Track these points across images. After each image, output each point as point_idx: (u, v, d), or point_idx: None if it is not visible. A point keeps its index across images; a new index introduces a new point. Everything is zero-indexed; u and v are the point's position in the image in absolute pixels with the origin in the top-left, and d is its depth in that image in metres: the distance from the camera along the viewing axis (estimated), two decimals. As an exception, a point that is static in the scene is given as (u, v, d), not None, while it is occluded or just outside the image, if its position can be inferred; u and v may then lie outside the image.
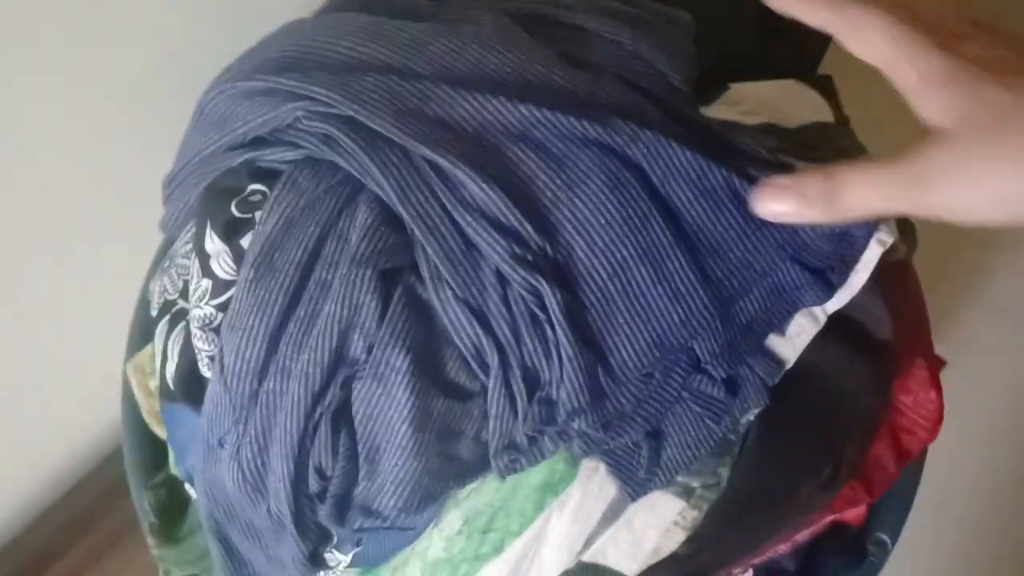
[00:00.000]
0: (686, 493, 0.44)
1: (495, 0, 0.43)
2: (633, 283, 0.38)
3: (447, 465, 0.38)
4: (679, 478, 0.43)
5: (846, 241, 0.40)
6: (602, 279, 0.38)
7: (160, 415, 0.52)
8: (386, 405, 0.37)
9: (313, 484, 0.39)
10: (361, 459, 0.38)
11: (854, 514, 0.48)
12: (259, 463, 0.39)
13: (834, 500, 0.47)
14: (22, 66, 0.53)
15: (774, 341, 0.43)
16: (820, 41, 0.51)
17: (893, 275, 0.46)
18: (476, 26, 0.40)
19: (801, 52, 0.59)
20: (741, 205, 0.38)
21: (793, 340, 0.43)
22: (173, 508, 0.51)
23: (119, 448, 0.56)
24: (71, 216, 0.63)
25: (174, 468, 0.50)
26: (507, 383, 0.38)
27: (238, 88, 0.40)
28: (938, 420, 0.46)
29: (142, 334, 0.56)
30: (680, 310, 0.39)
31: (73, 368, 0.69)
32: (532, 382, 0.38)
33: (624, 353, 0.39)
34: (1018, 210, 0.32)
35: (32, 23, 0.52)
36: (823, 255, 0.40)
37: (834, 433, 0.47)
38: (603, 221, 0.37)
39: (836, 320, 0.43)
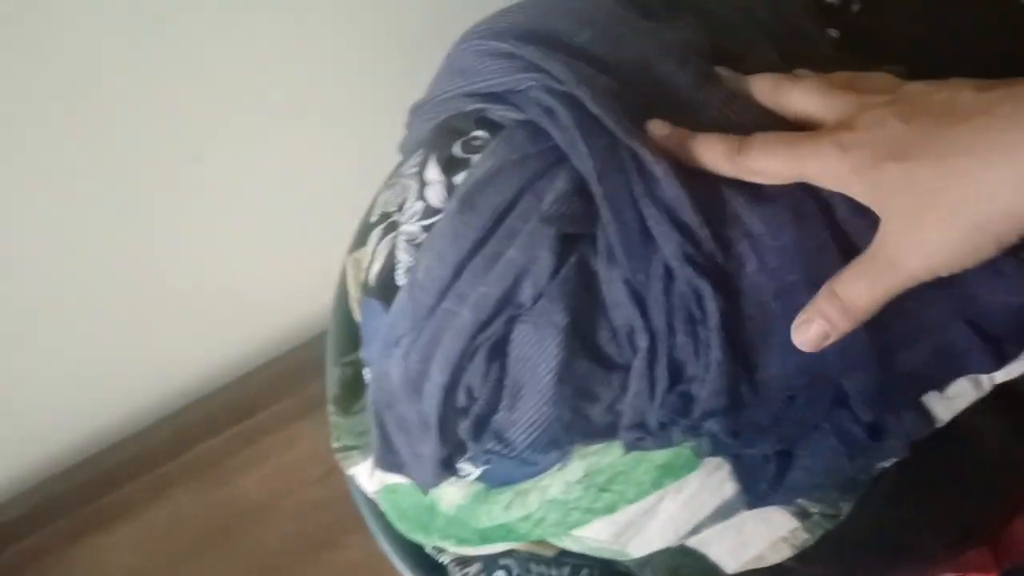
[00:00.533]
0: (803, 515, 0.45)
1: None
2: (796, 308, 0.39)
3: (578, 421, 0.42)
4: (799, 500, 0.44)
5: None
6: (766, 298, 0.39)
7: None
8: (537, 352, 0.42)
9: (461, 399, 0.44)
10: (505, 392, 0.43)
11: (976, 581, 0.47)
12: (422, 368, 0.44)
13: (957, 559, 0.46)
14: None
15: (930, 398, 0.43)
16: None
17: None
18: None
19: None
20: None
21: (951, 401, 0.43)
22: (354, 385, 0.58)
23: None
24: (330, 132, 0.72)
25: (361, 353, 0.57)
26: (651, 367, 0.40)
27: (487, 46, 0.45)
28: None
29: (363, 235, 0.64)
30: (838, 344, 0.39)
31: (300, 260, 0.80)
32: (675, 373, 0.40)
33: (772, 371, 0.40)
34: (993, 247, 0.35)
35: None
36: (1001, 324, 0.40)
37: (973, 499, 0.46)
38: (779, 245, 0.39)
39: (1001, 389, 0.42)
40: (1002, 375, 0.41)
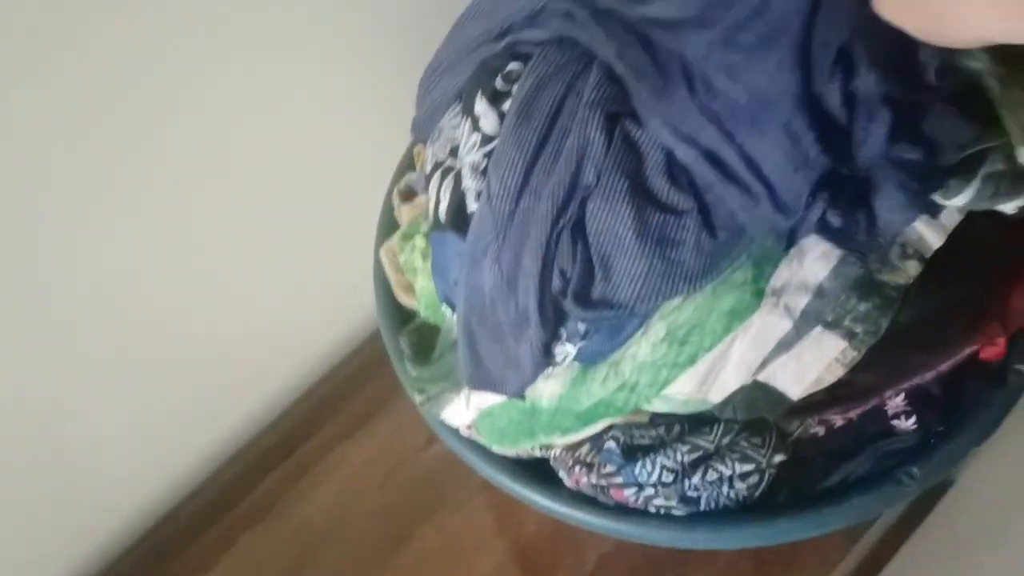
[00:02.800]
0: (849, 336, 0.52)
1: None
2: None
3: (672, 267, 0.49)
4: (845, 322, 0.52)
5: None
6: None
7: (406, 285, 0.66)
8: (612, 218, 0.49)
9: (556, 283, 0.51)
10: (596, 266, 0.50)
11: (994, 351, 0.56)
12: (514, 265, 0.51)
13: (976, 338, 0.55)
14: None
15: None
16: None
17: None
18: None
19: None
20: None
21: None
22: (423, 344, 0.64)
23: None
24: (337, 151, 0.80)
25: (426, 310, 0.64)
26: (734, 179, 0.48)
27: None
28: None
29: (389, 226, 0.71)
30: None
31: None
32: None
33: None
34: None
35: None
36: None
37: (975, 285, 0.55)
38: None
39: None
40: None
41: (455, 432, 0.62)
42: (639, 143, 0.50)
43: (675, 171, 0.49)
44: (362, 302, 0.73)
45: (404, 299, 0.68)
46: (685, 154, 0.48)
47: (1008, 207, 0.51)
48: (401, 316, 0.69)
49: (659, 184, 0.49)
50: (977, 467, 0.95)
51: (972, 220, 0.53)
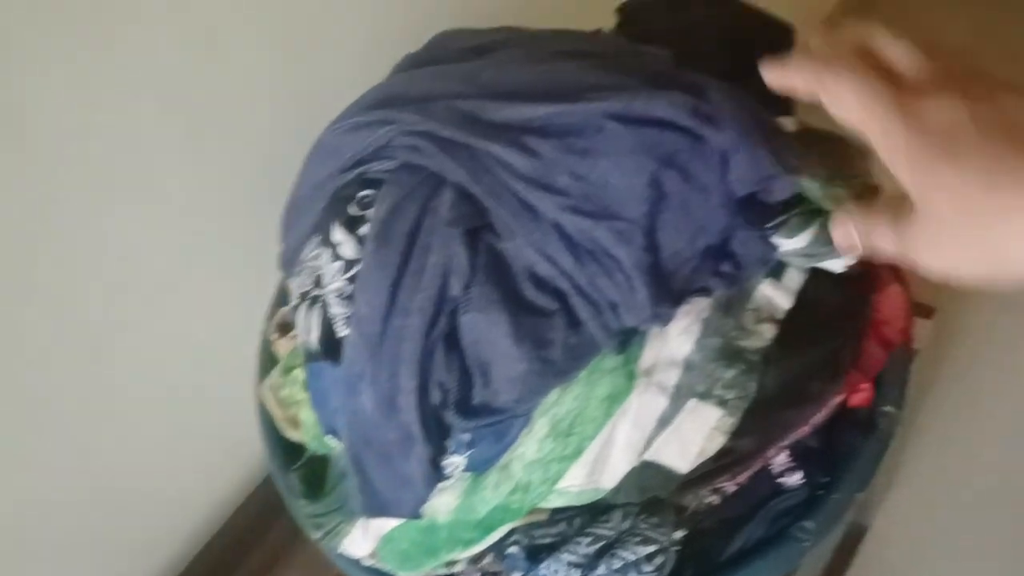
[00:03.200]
0: (722, 403, 0.55)
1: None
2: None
3: (546, 366, 0.51)
4: (716, 391, 0.55)
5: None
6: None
7: (290, 419, 0.66)
8: (489, 328, 0.50)
9: (436, 396, 0.51)
10: (474, 373, 0.51)
11: (861, 398, 0.59)
12: (391, 384, 0.52)
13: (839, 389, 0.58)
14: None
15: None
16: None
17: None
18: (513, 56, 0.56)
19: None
20: None
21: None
22: (315, 478, 0.63)
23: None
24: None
25: (312, 441, 0.63)
26: (583, 295, 0.51)
27: (345, 125, 0.56)
28: (908, 308, 0.59)
29: (268, 362, 0.70)
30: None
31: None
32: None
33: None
34: (999, 275, 0.34)
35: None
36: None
37: (830, 340, 0.59)
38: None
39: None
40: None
41: (356, 563, 0.61)
42: (504, 255, 0.52)
43: (539, 278, 0.51)
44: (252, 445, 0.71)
45: (291, 434, 0.67)
46: (546, 272, 0.51)
47: (836, 265, 0.55)
48: (292, 452, 0.67)
49: (527, 291, 0.51)
50: (886, 513, 0.99)
51: (818, 282, 0.57)
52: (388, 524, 0.58)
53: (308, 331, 0.56)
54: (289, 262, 0.63)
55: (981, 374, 1.10)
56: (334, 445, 0.58)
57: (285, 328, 0.70)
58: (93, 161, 0.66)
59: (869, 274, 0.60)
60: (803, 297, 0.57)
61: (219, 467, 0.86)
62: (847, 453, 0.60)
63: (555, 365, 0.51)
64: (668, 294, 0.51)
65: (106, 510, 0.79)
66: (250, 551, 0.83)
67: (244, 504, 0.86)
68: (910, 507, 1.01)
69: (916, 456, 1.02)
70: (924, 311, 0.99)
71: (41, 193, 0.64)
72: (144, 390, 0.78)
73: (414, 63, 0.60)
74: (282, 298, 0.72)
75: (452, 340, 0.52)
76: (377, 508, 0.56)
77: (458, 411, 0.51)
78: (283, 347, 0.68)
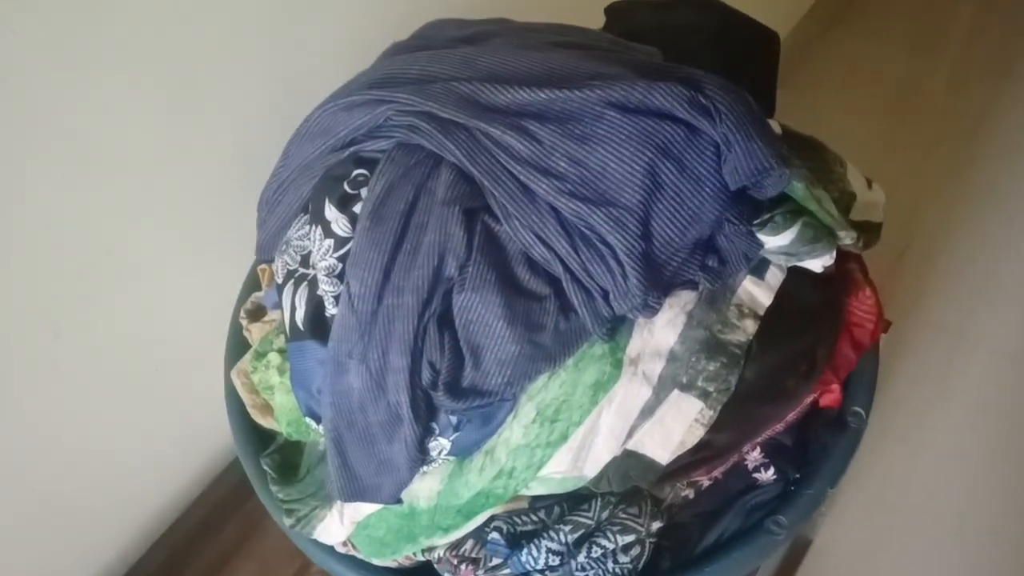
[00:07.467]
0: (704, 395, 0.55)
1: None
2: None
3: (536, 350, 0.51)
4: (699, 383, 0.55)
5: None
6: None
7: (261, 405, 0.64)
8: (483, 309, 0.50)
9: (426, 376, 0.51)
10: (466, 354, 0.51)
11: (831, 398, 0.61)
12: (382, 364, 0.51)
13: (813, 387, 0.60)
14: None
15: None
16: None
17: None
18: (508, 44, 0.56)
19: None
20: None
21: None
22: (287, 464, 0.62)
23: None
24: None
25: (287, 427, 0.61)
26: (576, 281, 0.51)
27: (339, 104, 0.55)
28: (879, 313, 0.60)
29: (238, 348, 0.69)
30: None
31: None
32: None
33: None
34: None
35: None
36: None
37: (807, 339, 0.60)
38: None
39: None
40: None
41: (330, 550, 0.60)
42: (500, 237, 0.52)
43: (533, 261, 0.52)
44: (213, 434, 0.69)
45: (261, 420, 0.66)
46: (541, 254, 0.51)
47: (815, 264, 0.57)
48: (260, 439, 0.66)
49: (522, 273, 0.52)
50: (829, 524, 1.02)
51: (797, 282, 0.59)
52: (366, 509, 0.57)
53: (293, 310, 0.56)
54: (269, 244, 0.62)
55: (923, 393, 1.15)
56: (313, 427, 0.57)
57: (256, 313, 0.69)
58: (66, 137, 0.64)
59: (844, 277, 0.62)
60: (781, 295, 0.58)
61: (177, 458, 0.84)
62: (819, 450, 0.62)
63: (545, 349, 0.52)
64: (658, 282, 0.52)
65: (57, 503, 0.76)
66: (206, 543, 0.80)
67: (200, 497, 0.84)
68: (852, 519, 1.03)
69: (861, 468, 1.05)
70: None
71: (12, 169, 0.62)
72: (104, 376, 0.75)
73: (403, 51, 0.60)
74: (253, 284, 0.71)
75: (446, 319, 0.51)
76: (355, 493, 0.55)
77: (447, 392, 0.51)
78: (256, 331, 0.66)
